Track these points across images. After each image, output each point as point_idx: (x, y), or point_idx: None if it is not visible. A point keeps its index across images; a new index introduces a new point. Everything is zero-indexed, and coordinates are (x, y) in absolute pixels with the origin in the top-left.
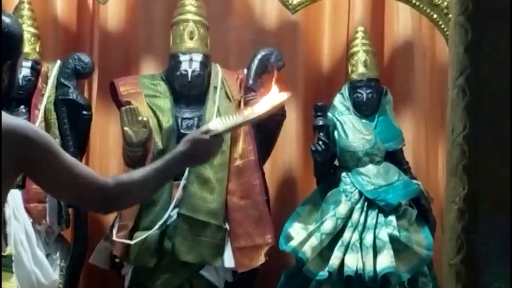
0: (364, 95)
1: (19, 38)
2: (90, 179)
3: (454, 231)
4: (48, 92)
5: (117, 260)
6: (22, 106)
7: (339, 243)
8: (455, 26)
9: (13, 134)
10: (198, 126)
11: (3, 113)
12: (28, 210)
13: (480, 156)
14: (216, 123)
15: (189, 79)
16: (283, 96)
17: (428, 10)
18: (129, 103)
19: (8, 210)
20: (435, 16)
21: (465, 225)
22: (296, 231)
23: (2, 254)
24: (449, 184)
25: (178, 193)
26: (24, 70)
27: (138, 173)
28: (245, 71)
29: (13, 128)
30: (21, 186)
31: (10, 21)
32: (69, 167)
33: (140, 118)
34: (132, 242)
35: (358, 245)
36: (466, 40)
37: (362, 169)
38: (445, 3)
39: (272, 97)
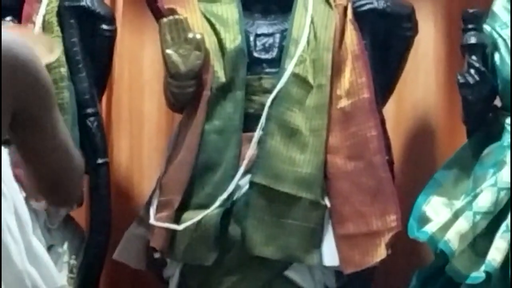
0: None
1: None
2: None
3: None
4: None
5: (156, 255)
6: (9, 18)
7: (503, 227)
8: None
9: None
10: (280, 47)
11: None
12: (19, 179)
13: None
14: None
15: None
16: None
17: None
18: (173, 11)
19: None
20: None
21: None
22: (435, 209)
23: None
24: None
25: (250, 151)
26: None
27: None
28: None
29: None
30: (9, 142)
31: None
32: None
33: (190, 35)
34: (180, 228)
35: None
36: None
37: None
38: None
39: None
